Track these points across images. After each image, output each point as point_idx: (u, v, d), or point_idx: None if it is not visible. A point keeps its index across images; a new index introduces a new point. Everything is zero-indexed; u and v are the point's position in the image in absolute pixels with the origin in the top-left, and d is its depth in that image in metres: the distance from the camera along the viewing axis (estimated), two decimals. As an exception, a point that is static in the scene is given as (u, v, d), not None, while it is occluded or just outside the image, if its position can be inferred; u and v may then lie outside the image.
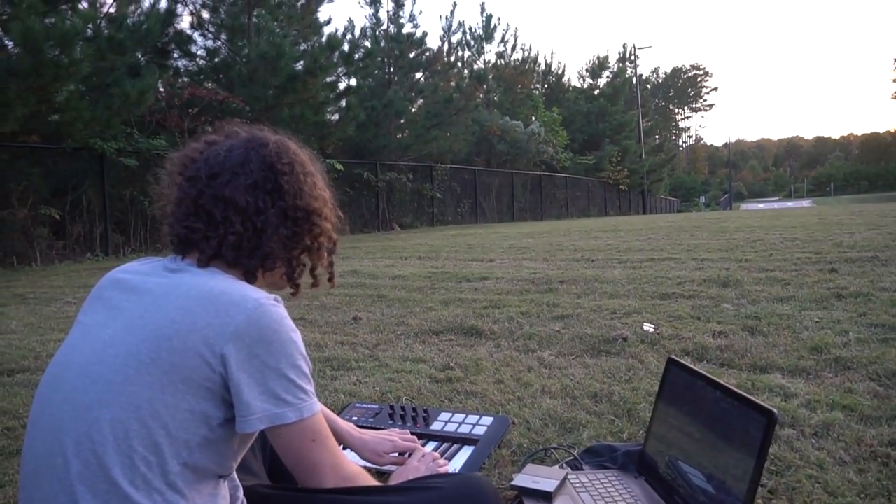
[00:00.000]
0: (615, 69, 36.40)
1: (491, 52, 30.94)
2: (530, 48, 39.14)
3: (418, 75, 20.38)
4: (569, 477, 1.58)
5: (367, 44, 18.08)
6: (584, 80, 35.87)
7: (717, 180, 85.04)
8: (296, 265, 1.24)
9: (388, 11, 19.67)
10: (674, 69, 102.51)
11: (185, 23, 14.45)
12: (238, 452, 1.14)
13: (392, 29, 19.44)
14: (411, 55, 19.66)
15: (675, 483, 1.47)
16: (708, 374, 1.48)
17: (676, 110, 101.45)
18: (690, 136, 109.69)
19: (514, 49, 29.34)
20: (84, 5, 10.05)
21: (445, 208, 19.92)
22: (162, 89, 12.44)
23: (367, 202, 17.10)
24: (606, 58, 36.70)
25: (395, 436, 1.66)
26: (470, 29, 26.30)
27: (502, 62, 27.52)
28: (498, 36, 27.35)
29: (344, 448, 1.57)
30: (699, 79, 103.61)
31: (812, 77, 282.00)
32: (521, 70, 28.52)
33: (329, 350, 3.17)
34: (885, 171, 74.35)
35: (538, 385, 2.45)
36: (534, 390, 2.40)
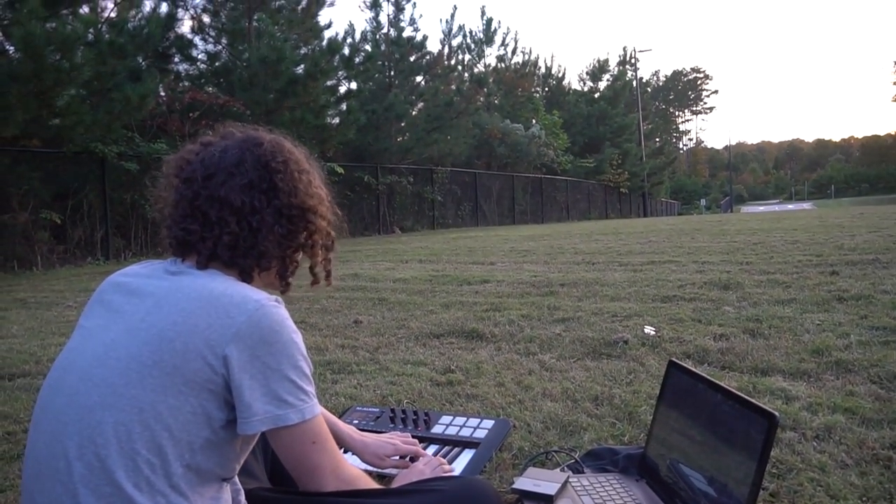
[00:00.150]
0: (615, 72, 36.45)
1: (491, 55, 30.95)
2: (531, 51, 39.34)
3: (419, 79, 20.41)
4: (570, 480, 1.58)
5: (368, 47, 18.12)
6: (584, 83, 35.94)
7: (717, 183, 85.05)
8: (289, 263, 1.24)
9: (388, 15, 19.73)
10: (674, 72, 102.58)
11: (185, 27, 14.54)
12: (241, 454, 1.14)
13: (392, 32, 19.47)
14: (412, 59, 19.69)
15: (677, 486, 1.47)
16: (709, 377, 1.48)
17: (677, 113, 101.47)
18: (691, 139, 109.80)
19: (514, 52, 29.46)
20: (85, 10, 10.08)
21: (446, 211, 19.94)
22: (163, 93, 12.48)
23: (367, 205, 17.11)
24: (607, 61, 36.76)
25: (397, 439, 1.66)
26: (470, 32, 26.37)
27: (503, 65, 27.56)
28: (498, 39, 27.34)
29: (345, 451, 1.57)
30: (699, 82, 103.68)
31: (812, 80, 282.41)
32: (522, 73, 28.54)
33: (330, 353, 3.17)
34: (885, 174, 74.30)
35: (539, 388, 2.45)
36: (535, 393, 2.40)
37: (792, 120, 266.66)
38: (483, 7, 40.96)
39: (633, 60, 40.06)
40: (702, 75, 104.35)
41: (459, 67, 24.11)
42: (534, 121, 25.22)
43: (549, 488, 1.50)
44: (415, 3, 24.04)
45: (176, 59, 13.82)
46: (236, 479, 1.19)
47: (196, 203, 1.16)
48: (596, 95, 33.80)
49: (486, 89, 23.61)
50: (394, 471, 1.59)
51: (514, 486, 1.55)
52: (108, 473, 0.99)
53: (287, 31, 14.83)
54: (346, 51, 15.30)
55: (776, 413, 1.21)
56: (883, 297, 3.61)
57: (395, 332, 3.57)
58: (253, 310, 1.07)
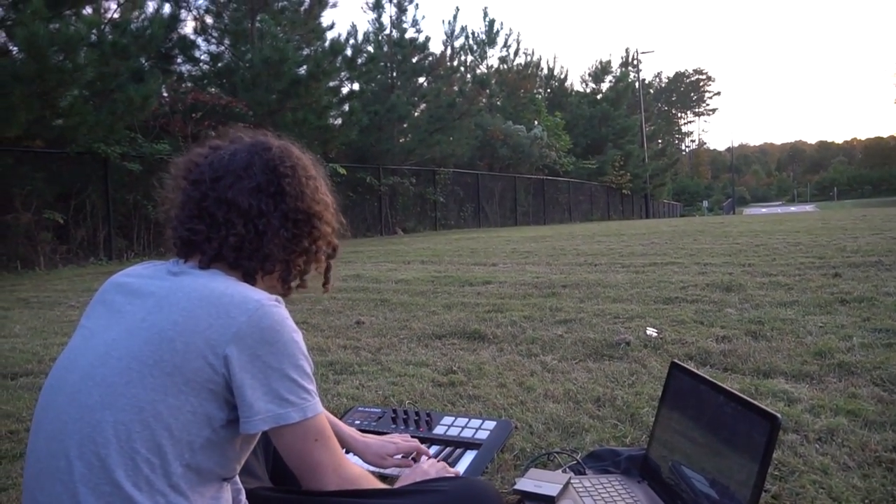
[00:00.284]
0: (618, 73, 36.43)
1: (494, 56, 31.07)
2: (533, 52, 39.38)
3: (421, 80, 20.41)
4: (572, 481, 1.58)
5: (370, 48, 18.14)
6: (586, 85, 35.92)
7: (720, 185, 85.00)
8: (292, 267, 1.25)
9: (390, 16, 19.76)
10: (676, 73, 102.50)
11: (188, 28, 14.51)
12: (241, 454, 1.14)
13: (395, 34, 19.48)
14: (414, 60, 19.69)
15: (679, 488, 1.46)
16: (711, 379, 1.48)
17: (679, 115, 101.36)
18: (693, 141, 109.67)
19: (516, 53, 29.38)
20: (88, 11, 10.09)
21: (448, 212, 19.94)
22: (165, 94, 12.50)
23: (369, 206, 17.12)
24: (609, 62, 36.87)
25: (398, 438, 1.66)
26: (473, 33, 26.31)
27: (505, 66, 27.55)
28: (501, 40, 27.42)
29: (347, 452, 1.57)
30: (702, 83, 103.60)
31: (815, 81, 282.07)
32: (524, 74, 28.54)
33: (332, 354, 3.17)
34: (888, 176, 74.16)
35: (541, 389, 2.45)
36: (536, 394, 2.40)
37: (794, 122, 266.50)
38: (485, 8, 40.96)
39: (635, 62, 40.08)
40: (704, 77, 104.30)
41: (462, 69, 24.14)
42: (536, 122, 25.20)
43: (551, 489, 1.50)
44: (417, 5, 24.07)
45: (179, 60, 13.84)
46: (237, 478, 1.19)
47: (203, 204, 1.17)
48: (598, 97, 33.78)
49: (488, 90, 23.60)
50: (396, 471, 1.59)
51: (516, 486, 1.55)
52: (108, 472, 0.99)
53: (290, 32, 14.84)
54: (349, 52, 15.34)
55: (778, 415, 1.21)
56: (885, 299, 3.60)
57: (397, 333, 3.57)
58: (253, 309, 1.07)
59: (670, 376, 1.64)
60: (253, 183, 1.18)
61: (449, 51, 23.93)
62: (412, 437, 1.81)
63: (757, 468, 1.21)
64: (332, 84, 14.91)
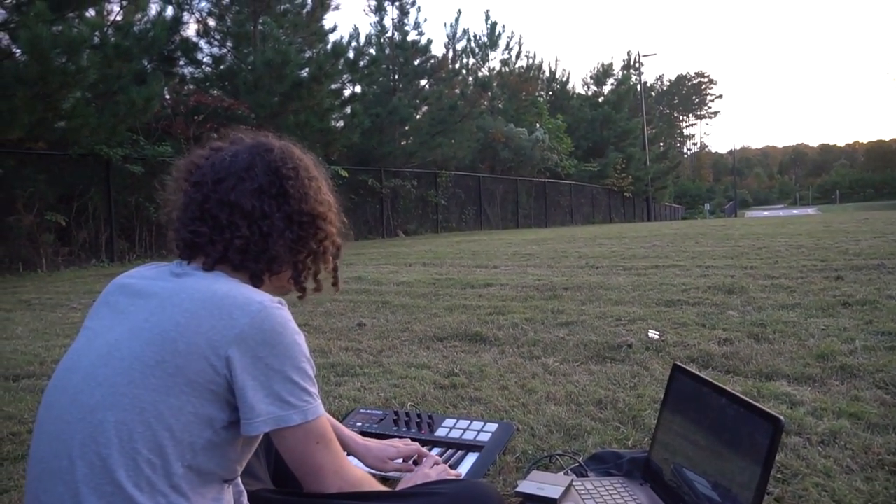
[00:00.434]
0: (619, 76, 36.43)
1: (495, 59, 31.00)
2: (535, 55, 39.37)
3: (423, 82, 20.43)
4: (574, 484, 1.57)
5: (372, 51, 18.15)
6: (588, 88, 35.92)
7: (721, 187, 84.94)
8: (302, 269, 1.25)
9: (392, 19, 19.78)
10: (678, 76, 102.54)
11: (191, 30, 14.61)
12: (243, 456, 1.14)
13: (397, 36, 19.52)
14: (416, 62, 19.72)
15: (681, 490, 1.46)
16: (714, 381, 1.48)
17: (681, 118, 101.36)
18: (695, 144, 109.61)
19: (518, 56, 29.36)
20: (91, 13, 10.12)
21: (450, 215, 19.95)
22: (168, 96, 12.51)
23: (371, 209, 17.13)
24: (611, 65, 36.77)
25: (399, 443, 1.66)
26: (475, 36, 26.30)
27: (507, 69, 27.56)
28: (503, 43, 27.31)
29: (348, 455, 1.57)
30: (703, 86, 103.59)
31: (817, 84, 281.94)
32: (526, 77, 28.55)
33: (333, 356, 3.17)
34: (890, 179, 74.14)
35: (543, 391, 2.44)
36: (538, 397, 2.39)
37: (796, 125, 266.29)
38: (487, 11, 41.08)
39: (637, 65, 40.09)
40: (706, 80, 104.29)
41: (464, 71, 24.13)
42: (538, 125, 25.19)
43: (553, 492, 1.50)
44: (419, 7, 24.14)
45: (181, 63, 13.87)
46: (239, 480, 1.19)
47: (205, 206, 1.17)
48: (600, 100, 33.78)
49: (490, 93, 23.65)
50: (397, 474, 1.59)
51: (518, 489, 1.55)
52: (110, 473, 0.99)
53: (292, 35, 14.87)
54: (351, 54, 15.34)
55: (781, 417, 1.21)
56: (888, 302, 3.59)
57: (398, 336, 3.57)
58: (256, 311, 1.07)
59: (672, 378, 1.63)
60: (255, 184, 1.18)
61: (451, 53, 23.96)
62: (414, 439, 1.81)
63: (759, 471, 1.21)
64: (334, 86, 14.92)
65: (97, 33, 9.58)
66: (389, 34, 19.62)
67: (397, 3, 19.63)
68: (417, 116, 19.39)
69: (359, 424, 2.08)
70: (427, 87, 20.38)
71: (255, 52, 13.86)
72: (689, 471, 1.45)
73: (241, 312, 1.06)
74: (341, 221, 1.32)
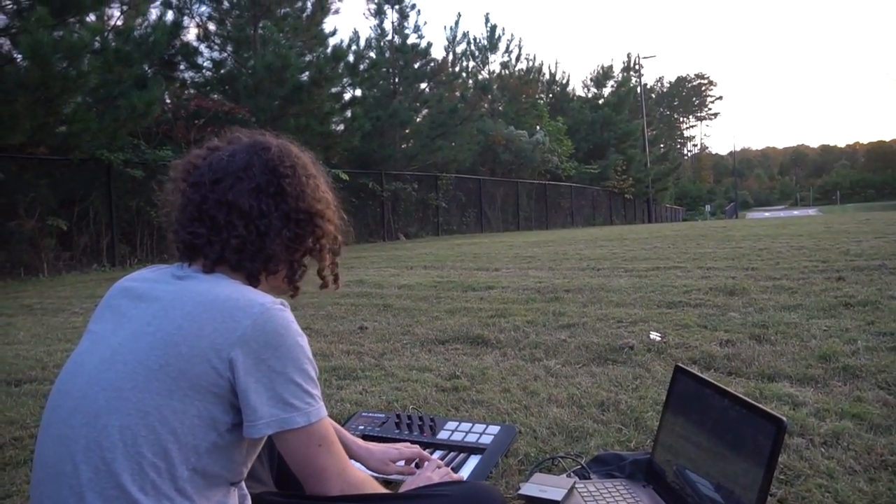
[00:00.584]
0: (619, 78, 36.46)
1: (495, 61, 31.05)
2: (535, 58, 39.13)
3: (423, 85, 20.46)
4: (576, 486, 1.57)
5: (372, 54, 18.17)
6: (588, 90, 35.95)
7: (722, 189, 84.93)
8: (297, 267, 1.25)
9: (392, 22, 19.81)
10: (678, 78, 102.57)
11: (191, 35, 14.57)
12: (247, 458, 1.14)
13: (397, 40, 19.55)
14: (416, 65, 19.75)
15: (684, 492, 1.46)
16: (716, 382, 1.48)
17: (681, 119, 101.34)
18: (695, 145, 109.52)
19: (518, 59, 29.32)
20: (92, 18, 10.14)
21: (450, 218, 19.94)
22: (168, 101, 12.55)
23: (372, 212, 17.13)
24: (611, 67, 36.82)
25: (400, 446, 1.66)
26: (474, 39, 26.37)
27: (507, 72, 27.60)
28: (502, 46, 27.37)
29: (349, 458, 1.57)
30: (703, 88, 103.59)
31: (817, 85, 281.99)
32: (526, 80, 28.58)
33: (335, 359, 3.17)
34: (891, 179, 74.12)
35: (545, 394, 2.44)
36: (540, 399, 2.39)
37: (797, 126, 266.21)
38: (487, 14, 41.23)
39: (637, 67, 40.12)
40: (706, 81, 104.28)
41: (464, 74, 24.15)
42: (538, 127, 25.21)
43: (556, 494, 1.50)
44: (419, 11, 24.12)
45: (181, 67, 13.91)
46: (243, 483, 1.19)
47: (204, 207, 1.17)
48: (600, 102, 33.80)
49: (490, 96, 23.66)
50: (399, 477, 1.59)
51: (521, 491, 1.55)
52: (114, 477, 0.99)
53: (292, 39, 14.90)
54: (351, 58, 15.38)
55: (784, 418, 1.21)
56: (890, 302, 3.59)
57: (400, 338, 3.57)
58: (258, 313, 1.07)
59: (674, 380, 1.63)
60: (253, 184, 1.18)
61: (451, 56, 23.99)
62: (416, 442, 1.81)
63: (762, 472, 1.21)
64: (334, 90, 14.95)
65: (98, 38, 9.61)
66: (389, 37, 19.67)
67: (397, 7, 19.67)
68: (418, 119, 19.42)
69: (361, 428, 2.08)
70: (427, 90, 20.41)
71: (255, 56, 13.89)
72: (692, 472, 1.44)
73: (244, 314, 1.06)
74: (340, 218, 1.32)
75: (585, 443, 1.97)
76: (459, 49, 24.50)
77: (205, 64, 14.59)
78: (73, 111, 9.20)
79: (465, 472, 1.77)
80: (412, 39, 19.68)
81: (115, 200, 10.58)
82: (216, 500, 1.08)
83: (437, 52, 22.99)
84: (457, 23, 31.09)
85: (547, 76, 32.17)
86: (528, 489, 1.54)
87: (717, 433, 1.39)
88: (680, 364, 1.68)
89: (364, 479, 1.22)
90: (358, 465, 1.58)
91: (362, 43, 18.68)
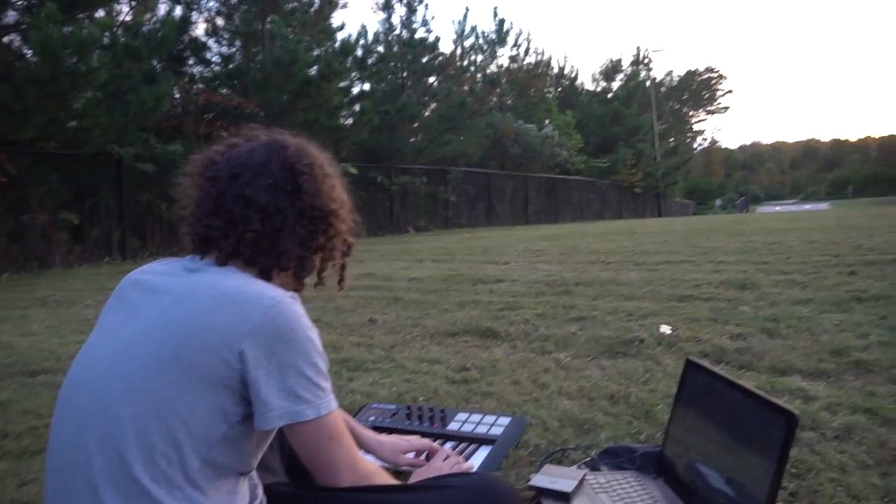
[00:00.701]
0: (629, 72, 36.27)
1: (504, 55, 30.83)
2: (543, 52, 39.19)
3: (431, 79, 20.40)
4: (587, 477, 1.57)
5: (381, 49, 18.15)
6: (597, 84, 35.78)
7: (732, 183, 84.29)
8: (306, 264, 1.25)
9: (400, 17, 19.73)
10: (688, 72, 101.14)
11: (199, 30, 14.61)
12: (258, 449, 1.15)
13: (405, 34, 19.48)
14: (424, 60, 19.68)
15: (695, 485, 1.46)
16: (727, 376, 1.47)
17: (691, 113, 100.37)
18: (705, 139, 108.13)
19: (527, 53, 29.25)
20: (101, 14, 10.18)
21: (459, 211, 19.92)
22: (177, 95, 12.56)
23: (381, 205, 17.14)
24: (620, 61, 36.60)
25: (410, 438, 1.67)
26: (483, 33, 26.16)
27: (515, 66, 27.46)
28: (511, 40, 27.18)
29: (360, 449, 1.57)
30: (713, 81, 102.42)
31: (828, 79, 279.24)
32: (535, 74, 28.45)
33: (345, 351, 3.18)
34: (904, 174, 73.40)
35: (555, 386, 2.44)
36: (550, 391, 2.39)
37: (808, 119, 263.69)
38: (495, 8, 40.99)
39: (646, 60, 39.82)
40: (716, 75, 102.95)
41: (472, 68, 24.03)
42: (547, 121, 25.12)
43: (566, 485, 1.50)
44: (427, 5, 24.09)
45: (190, 62, 13.95)
46: (254, 473, 1.20)
47: (221, 201, 1.17)
48: (609, 95, 33.64)
49: (498, 90, 23.53)
50: (409, 468, 1.60)
51: (531, 483, 1.55)
52: (127, 466, 1.00)
53: (300, 33, 14.88)
54: (359, 52, 15.35)
55: (796, 412, 1.20)
56: (903, 296, 3.56)
57: (410, 331, 3.57)
58: (269, 306, 1.07)
59: (686, 373, 1.63)
60: (270, 180, 1.19)
61: (459, 50, 23.87)
62: (426, 433, 1.81)
63: (774, 466, 1.20)
64: (342, 84, 14.94)
65: (107, 34, 9.64)
66: (397, 32, 19.60)
67: (405, 1, 19.59)
68: (426, 113, 19.36)
69: (371, 419, 2.09)
70: (436, 84, 20.35)
71: (263, 50, 13.90)
72: (703, 465, 1.44)
73: (254, 307, 1.07)
74: (354, 220, 1.33)
75: (596, 435, 1.97)
76: (468, 43, 24.41)
77: (213, 59, 14.63)
78: (83, 106, 9.23)
79: (475, 463, 1.78)
80: (420, 34, 19.60)
81: (125, 194, 10.64)
82: (226, 490, 1.08)
83: (446, 47, 22.84)
84: (465, 17, 31.12)
85: (556, 70, 32.09)
86: (539, 480, 1.54)
87: (728, 426, 1.39)
88: (691, 357, 1.68)
89: (375, 471, 1.23)
90: (369, 456, 1.59)
91: (370, 37, 18.67)
